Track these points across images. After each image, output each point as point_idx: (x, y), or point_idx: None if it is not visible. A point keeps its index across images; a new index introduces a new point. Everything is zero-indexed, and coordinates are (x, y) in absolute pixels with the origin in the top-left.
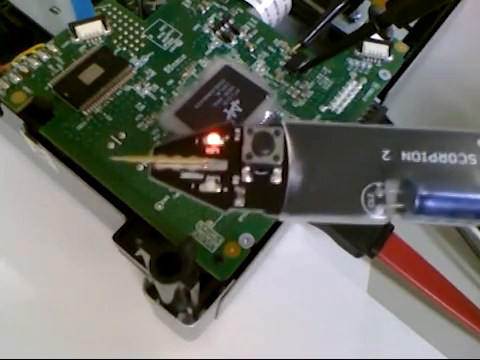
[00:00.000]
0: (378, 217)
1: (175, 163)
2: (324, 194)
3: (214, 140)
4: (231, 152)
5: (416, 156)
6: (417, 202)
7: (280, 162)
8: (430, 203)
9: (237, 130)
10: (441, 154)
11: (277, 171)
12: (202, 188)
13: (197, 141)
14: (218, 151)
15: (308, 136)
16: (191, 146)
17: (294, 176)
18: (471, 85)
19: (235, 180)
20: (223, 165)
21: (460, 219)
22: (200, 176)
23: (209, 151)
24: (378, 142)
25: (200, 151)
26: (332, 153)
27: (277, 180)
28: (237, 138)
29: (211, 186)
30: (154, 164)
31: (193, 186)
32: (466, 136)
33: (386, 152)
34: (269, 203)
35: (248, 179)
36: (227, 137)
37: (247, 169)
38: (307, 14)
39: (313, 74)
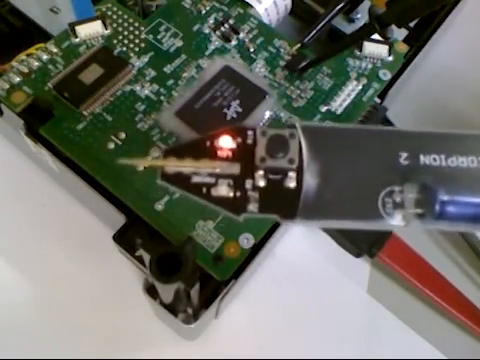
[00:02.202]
0: (396, 223)
1: (186, 166)
2: (340, 199)
3: (226, 143)
4: (244, 155)
5: (435, 159)
6: (437, 207)
7: (295, 165)
8: (451, 208)
9: (250, 132)
10: (460, 157)
11: (292, 175)
12: (214, 192)
13: (208, 144)
14: (230, 154)
15: (323, 139)
16: (202, 149)
17: (309, 180)
18: (471, 85)
19: (248, 184)
20: (236, 168)
21: None
22: (212, 180)
23: (221, 154)
24: (395, 145)
25: (212, 154)
26: (348, 156)
27: (292, 184)
28: (250, 141)
29: (223, 190)
30: (164, 167)
31: (205, 190)
32: None
33: (404, 155)
34: (284, 208)
35: (262, 183)
36: (239, 140)
37: (261, 173)
38: (307, 14)
39: (313, 74)
